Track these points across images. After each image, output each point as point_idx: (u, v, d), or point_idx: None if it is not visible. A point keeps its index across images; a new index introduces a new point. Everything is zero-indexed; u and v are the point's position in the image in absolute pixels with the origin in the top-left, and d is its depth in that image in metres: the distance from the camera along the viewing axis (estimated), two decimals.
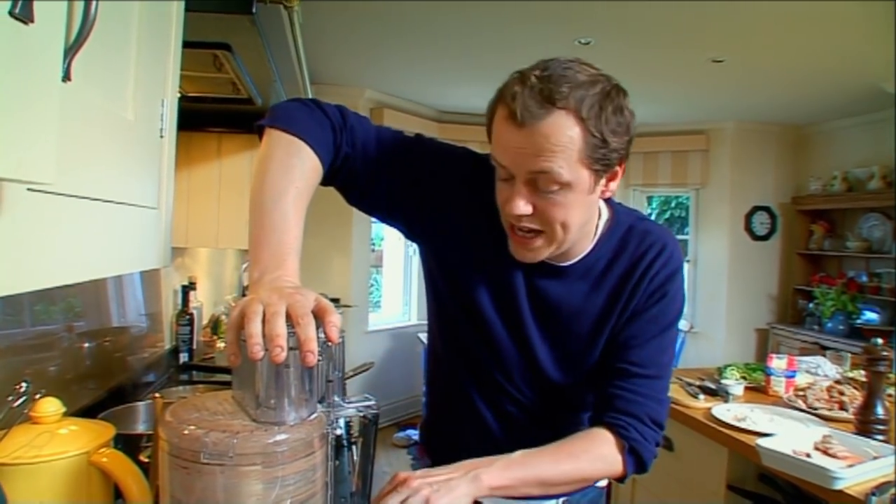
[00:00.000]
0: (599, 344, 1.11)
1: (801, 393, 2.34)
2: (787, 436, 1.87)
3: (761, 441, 1.80)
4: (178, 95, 1.06)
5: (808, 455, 1.74)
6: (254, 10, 1.10)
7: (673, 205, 6.68)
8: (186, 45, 1.06)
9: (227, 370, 1.81)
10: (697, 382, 2.51)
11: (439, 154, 1.13)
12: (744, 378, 2.61)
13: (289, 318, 0.68)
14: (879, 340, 1.95)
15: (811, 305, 5.38)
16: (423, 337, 4.64)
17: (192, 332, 2.42)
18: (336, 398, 0.83)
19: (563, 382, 1.14)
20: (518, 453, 0.98)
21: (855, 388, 2.31)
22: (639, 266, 1.09)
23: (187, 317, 2.41)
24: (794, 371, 2.52)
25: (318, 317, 0.71)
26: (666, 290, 1.09)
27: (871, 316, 4.86)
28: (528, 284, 1.10)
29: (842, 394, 2.26)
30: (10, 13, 0.39)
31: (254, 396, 0.71)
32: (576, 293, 1.10)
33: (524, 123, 0.90)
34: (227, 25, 1.17)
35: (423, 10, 3.29)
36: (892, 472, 1.63)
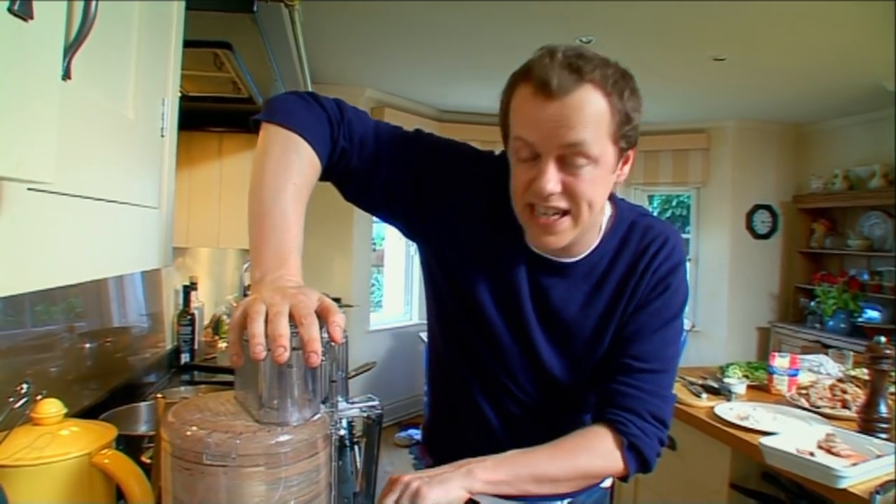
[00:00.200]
0: (604, 342, 1.10)
1: (803, 391, 2.34)
2: (791, 434, 1.87)
3: (764, 440, 1.80)
4: (179, 95, 1.06)
5: (812, 454, 1.73)
6: (254, 9, 1.09)
7: (674, 203, 6.67)
8: (187, 43, 1.06)
9: (229, 370, 1.80)
10: (700, 381, 2.51)
11: (439, 149, 1.11)
12: (746, 377, 2.61)
13: (292, 318, 0.68)
14: (882, 339, 1.94)
15: (812, 304, 5.38)
16: (425, 336, 4.64)
17: (193, 332, 2.42)
18: (339, 398, 0.82)
19: (567, 381, 1.13)
20: (514, 451, 0.98)
21: (857, 386, 2.31)
22: (641, 261, 1.08)
23: (188, 317, 2.41)
24: (797, 369, 2.51)
25: (322, 317, 0.70)
26: (669, 282, 1.08)
27: (872, 314, 4.86)
28: (532, 283, 1.09)
29: (844, 392, 2.25)
30: (9, 10, 0.39)
31: (257, 397, 0.70)
32: (579, 292, 1.09)
33: (556, 95, 0.90)
34: (227, 24, 1.17)
35: (424, 9, 3.29)
36: (895, 470, 1.63)
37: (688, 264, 5.75)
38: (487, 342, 1.12)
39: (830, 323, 5.08)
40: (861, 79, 4.16)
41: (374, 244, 5.75)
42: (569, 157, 0.93)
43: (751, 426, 2.02)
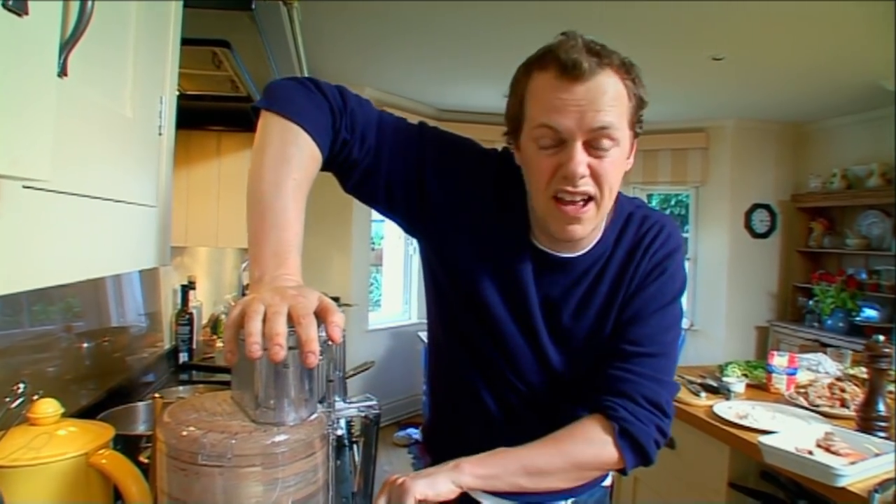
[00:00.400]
0: (605, 333, 1.09)
1: (802, 390, 2.34)
2: (789, 433, 1.87)
3: (763, 438, 1.80)
4: (178, 93, 1.05)
5: (811, 452, 1.73)
6: (253, 7, 1.09)
7: (673, 203, 6.67)
8: (185, 42, 1.05)
9: (227, 370, 1.80)
10: (699, 380, 2.51)
11: (443, 143, 1.09)
12: (745, 375, 2.61)
13: (290, 317, 0.67)
14: (881, 337, 1.94)
15: (811, 303, 5.38)
16: (424, 336, 4.64)
17: (191, 331, 2.42)
18: (337, 398, 0.82)
19: (571, 374, 1.12)
20: (505, 447, 0.98)
21: (856, 385, 2.31)
22: (638, 249, 1.09)
23: (187, 316, 2.40)
24: (796, 368, 2.51)
25: (321, 316, 0.69)
26: (665, 266, 1.08)
27: (870, 313, 4.86)
28: (537, 278, 1.08)
29: (843, 391, 2.25)
30: (3, 5, 0.39)
31: (253, 397, 0.70)
32: (580, 288, 1.09)
33: (584, 76, 0.91)
34: (225, 22, 1.16)
35: (423, 8, 3.28)
36: (894, 468, 1.63)
37: (686, 263, 5.76)
38: (492, 338, 1.11)
39: (829, 322, 5.08)
40: (859, 78, 4.16)
41: (373, 243, 5.75)
42: (595, 140, 0.93)
43: (750, 425, 2.02)
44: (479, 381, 1.15)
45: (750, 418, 2.07)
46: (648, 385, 1.03)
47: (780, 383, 2.47)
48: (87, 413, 1.41)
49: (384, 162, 1.03)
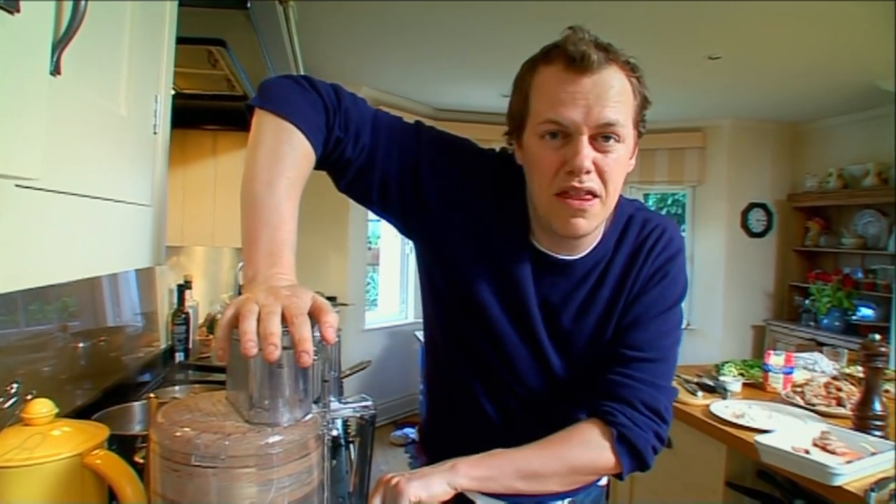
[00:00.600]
0: (606, 337, 1.09)
1: (798, 389, 2.34)
2: (786, 432, 1.87)
3: (760, 438, 1.80)
4: (173, 92, 1.05)
5: (807, 451, 1.74)
6: (248, 5, 1.09)
7: (669, 202, 6.68)
8: (180, 40, 1.05)
9: (223, 370, 1.80)
10: (695, 379, 2.51)
11: (440, 143, 1.08)
12: (742, 375, 2.61)
13: (284, 317, 0.67)
14: (877, 336, 1.95)
15: (807, 302, 5.39)
16: (420, 335, 4.63)
17: (187, 331, 2.41)
18: (332, 398, 0.82)
19: (571, 378, 1.11)
20: (501, 449, 0.97)
21: (852, 384, 2.32)
22: (640, 253, 1.08)
23: (183, 316, 2.40)
24: (792, 367, 2.52)
25: (315, 316, 0.69)
26: (666, 270, 1.08)
27: (866, 312, 4.87)
28: (537, 280, 1.07)
29: (839, 390, 2.26)
30: None
31: (247, 397, 0.69)
32: (580, 291, 1.08)
33: (592, 69, 0.90)
34: (221, 21, 1.16)
35: (420, 7, 3.28)
36: (890, 467, 1.63)
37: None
38: (491, 340, 1.10)
39: (825, 321, 5.09)
40: (855, 78, 4.17)
41: (370, 243, 5.74)
42: (600, 136, 0.93)
43: (746, 424, 2.02)
44: (477, 383, 1.14)
45: (746, 417, 2.07)
46: (647, 390, 1.03)
47: (776, 382, 2.48)
48: (82, 413, 1.41)
49: (378, 161, 1.01)
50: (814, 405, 2.20)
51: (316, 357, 0.66)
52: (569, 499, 1.14)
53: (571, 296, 1.08)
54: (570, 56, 0.91)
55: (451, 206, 1.05)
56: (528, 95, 0.97)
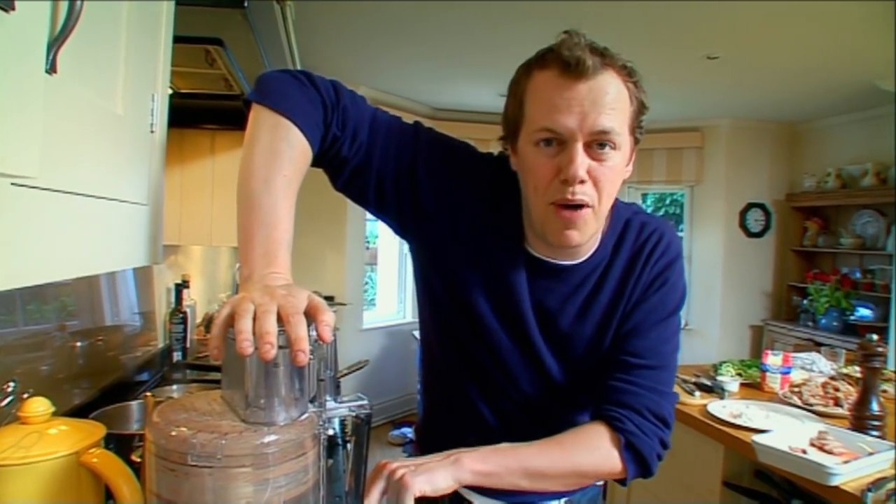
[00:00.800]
0: (605, 344, 1.08)
1: (796, 389, 2.35)
2: (783, 432, 1.87)
3: (757, 437, 1.80)
4: (170, 91, 1.05)
5: (804, 451, 1.74)
6: (245, 5, 1.08)
7: (668, 202, 6.69)
8: (177, 39, 1.05)
9: (220, 369, 1.80)
10: (693, 379, 2.52)
11: (438, 145, 1.07)
12: (739, 374, 2.61)
13: (280, 317, 0.66)
14: (874, 336, 1.95)
15: (805, 302, 5.40)
16: (418, 335, 4.63)
17: (185, 330, 2.41)
18: (328, 398, 0.81)
19: (567, 382, 1.11)
20: (506, 443, 0.96)
21: (850, 384, 2.32)
22: (638, 259, 1.07)
23: (181, 315, 2.39)
24: (790, 367, 2.52)
25: (311, 315, 0.69)
26: (666, 277, 1.07)
27: (864, 312, 4.88)
28: (532, 285, 1.06)
29: (837, 390, 2.26)
30: None
31: (243, 396, 0.69)
32: (577, 297, 1.07)
33: (587, 74, 0.89)
34: (218, 20, 1.16)
35: (418, 7, 3.28)
36: (887, 467, 1.64)
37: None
38: (485, 344, 1.09)
39: (823, 321, 5.10)
40: (853, 77, 4.18)
41: (368, 242, 5.74)
42: (595, 144, 0.92)
43: (744, 424, 2.02)
44: (473, 386, 1.14)
45: (744, 417, 2.07)
46: (651, 397, 1.02)
47: (774, 382, 2.48)
48: (80, 412, 1.41)
49: (375, 160, 1.00)
50: (811, 405, 2.21)
51: (312, 356, 0.66)
52: (566, 498, 1.14)
53: (569, 300, 1.07)
54: (565, 61, 0.89)
55: (447, 208, 1.04)
56: (522, 101, 0.96)
